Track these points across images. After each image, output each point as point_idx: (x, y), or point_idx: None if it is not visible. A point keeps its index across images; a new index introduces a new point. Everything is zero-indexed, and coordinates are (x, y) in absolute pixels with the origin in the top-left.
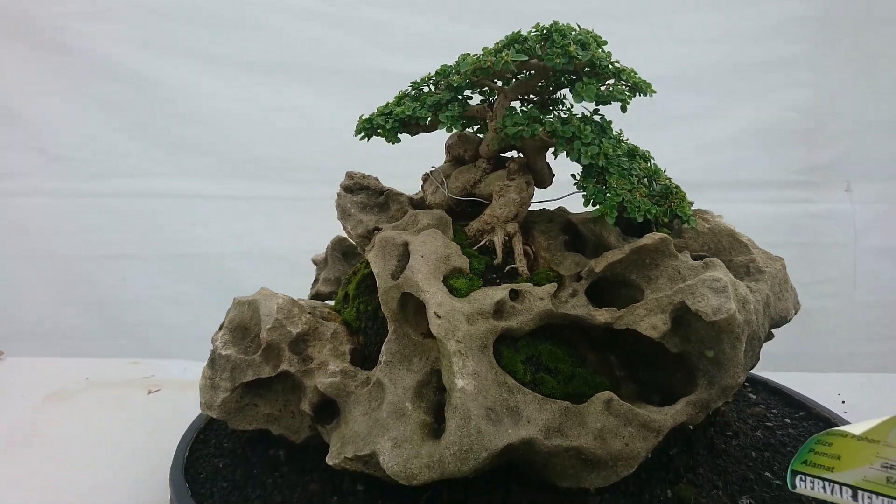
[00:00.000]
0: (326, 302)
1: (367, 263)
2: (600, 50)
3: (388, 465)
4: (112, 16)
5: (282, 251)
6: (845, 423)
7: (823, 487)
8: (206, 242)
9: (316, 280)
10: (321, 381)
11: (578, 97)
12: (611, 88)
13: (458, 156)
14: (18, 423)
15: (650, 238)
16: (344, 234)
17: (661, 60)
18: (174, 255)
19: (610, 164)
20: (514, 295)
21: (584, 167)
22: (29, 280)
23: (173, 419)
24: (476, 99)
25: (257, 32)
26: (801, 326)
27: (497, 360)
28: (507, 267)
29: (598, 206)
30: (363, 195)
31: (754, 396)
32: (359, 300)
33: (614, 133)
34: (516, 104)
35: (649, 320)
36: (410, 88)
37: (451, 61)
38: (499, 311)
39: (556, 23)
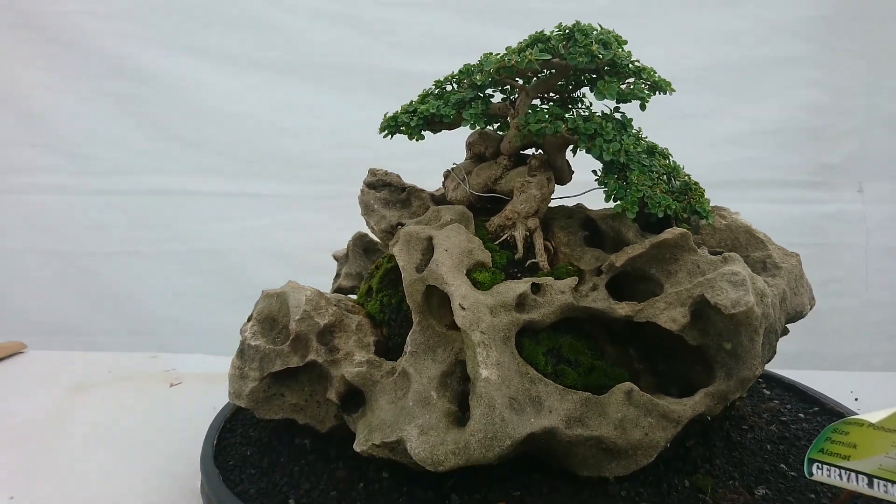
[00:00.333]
0: (349, 296)
1: (390, 258)
2: (621, 49)
3: (415, 451)
4: (127, 15)
5: (294, 248)
6: None
7: (840, 475)
8: (218, 239)
9: (337, 275)
10: (348, 370)
11: (600, 95)
12: (631, 87)
13: (479, 153)
14: (46, 414)
15: (670, 233)
16: (364, 231)
17: (672, 59)
18: (187, 251)
19: (631, 160)
20: (536, 288)
21: (606, 164)
22: (44, 275)
23: (196, 410)
24: (497, 97)
25: (271, 31)
26: (813, 325)
27: (519, 351)
28: (528, 261)
29: (619, 202)
30: (386, 191)
31: (769, 392)
32: (382, 293)
33: (634, 130)
34: (536, 102)
35: (669, 313)
36: (434, 87)
37: (463, 60)
38: (521, 303)
39: (578, 23)
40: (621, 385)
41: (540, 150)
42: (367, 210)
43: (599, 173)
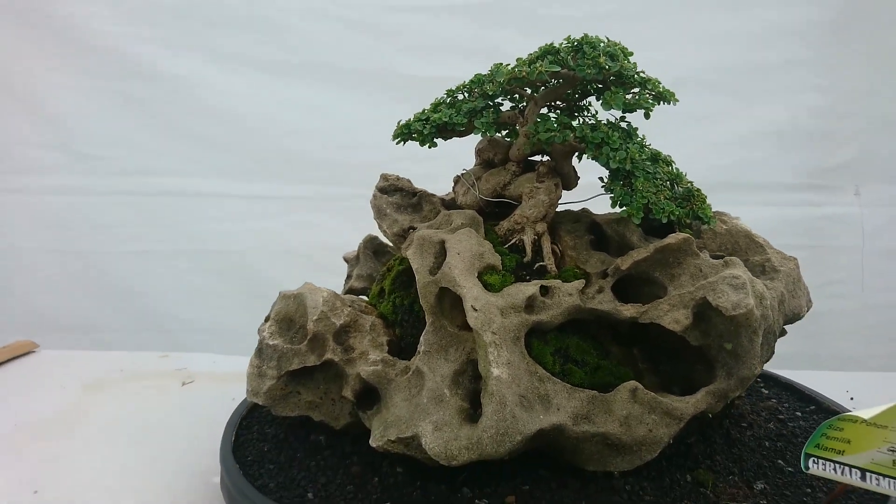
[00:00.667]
0: (361, 297)
1: (401, 260)
2: (627, 60)
3: (429, 446)
4: (138, 16)
5: (303, 248)
6: None
7: (834, 469)
8: (229, 239)
9: (349, 277)
10: (364, 369)
11: (607, 105)
12: (637, 97)
13: (489, 159)
14: (63, 411)
15: (674, 238)
16: (375, 233)
17: (674, 62)
18: (198, 250)
19: (636, 168)
20: (545, 291)
21: (612, 171)
22: (55, 274)
23: (210, 408)
24: (506, 105)
25: (281, 34)
26: (811, 327)
27: (528, 351)
28: (536, 264)
29: (625, 208)
30: (397, 196)
31: (767, 391)
32: (395, 295)
33: (638, 138)
34: (544, 110)
35: (672, 315)
36: (446, 96)
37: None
38: (530, 305)
39: (586, 35)
40: (626, 383)
41: (547, 157)
42: (379, 214)
43: (606, 180)
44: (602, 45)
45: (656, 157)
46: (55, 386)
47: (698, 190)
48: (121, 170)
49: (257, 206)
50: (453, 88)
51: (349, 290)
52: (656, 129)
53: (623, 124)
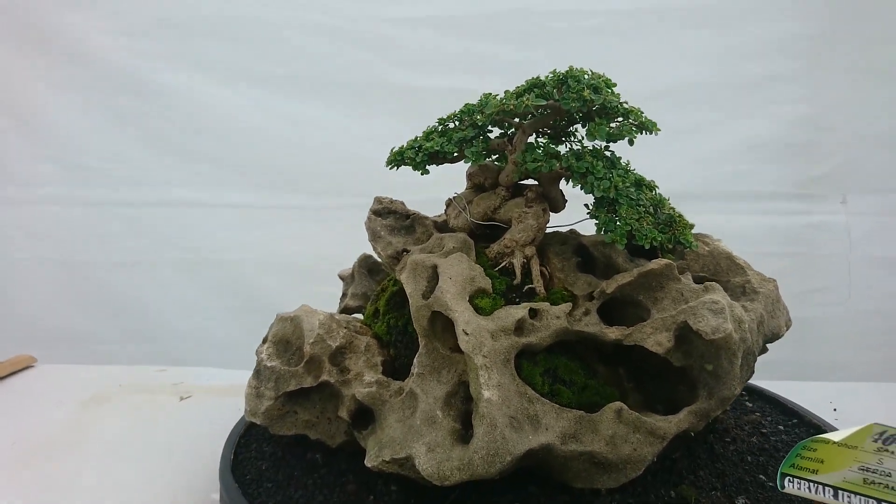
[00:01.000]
0: (355, 316)
1: (395, 281)
2: (611, 91)
3: (422, 467)
4: (132, 30)
5: (296, 259)
6: (834, 429)
7: (809, 488)
8: (223, 250)
9: (344, 295)
10: (359, 390)
11: (591, 136)
12: (620, 128)
13: (479, 183)
14: (60, 428)
15: (656, 263)
16: (369, 252)
17: (664, 76)
18: (192, 262)
19: (620, 195)
20: (533, 313)
21: (597, 199)
22: (51, 286)
23: (207, 424)
24: (496, 131)
25: (273, 47)
26: (798, 334)
27: (518, 372)
28: (526, 287)
29: (609, 234)
30: (391, 219)
31: (751, 405)
32: (389, 315)
33: (622, 164)
34: (532, 137)
35: (655, 337)
36: (437, 124)
37: (462, 76)
38: (520, 328)
39: (571, 68)
40: (612, 404)
41: (536, 182)
42: (374, 236)
43: (591, 207)
44: (586, 77)
45: (640, 183)
46: (53, 401)
47: (680, 215)
48: (116, 182)
49: (252, 217)
50: (444, 117)
51: (344, 309)
52: (647, 143)
53: (607, 153)
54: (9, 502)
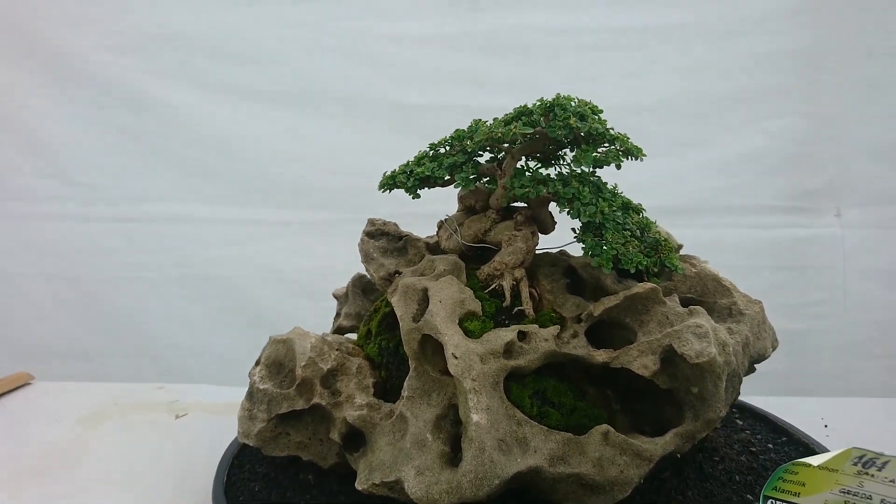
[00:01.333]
0: (348, 336)
1: (388, 302)
2: (597, 118)
3: (412, 490)
4: (132, 47)
5: (296, 274)
6: (823, 447)
7: None
8: (220, 264)
9: (337, 315)
10: (350, 413)
11: (577, 163)
12: (605, 154)
13: (470, 206)
14: (55, 448)
15: (641, 287)
16: (363, 272)
17: (658, 91)
18: (190, 276)
19: (606, 220)
20: (522, 336)
21: (584, 224)
22: (48, 301)
23: (201, 443)
24: (487, 154)
25: (272, 64)
26: (794, 346)
27: (507, 395)
28: (515, 309)
29: (595, 258)
30: (384, 240)
31: (741, 422)
32: (381, 337)
33: (609, 188)
34: (522, 161)
35: (641, 360)
36: (429, 149)
37: (459, 92)
38: (508, 350)
39: (558, 95)
40: (599, 427)
41: (525, 205)
42: (366, 258)
43: (578, 231)
44: (573, 105)
45: (627, 206)
46: (50, 420)
47: (666, 239)
48: (114, 197)
49: (251, 231)
50: (436, 142)
51: (338, 329)
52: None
53: (594, 178)
54: None
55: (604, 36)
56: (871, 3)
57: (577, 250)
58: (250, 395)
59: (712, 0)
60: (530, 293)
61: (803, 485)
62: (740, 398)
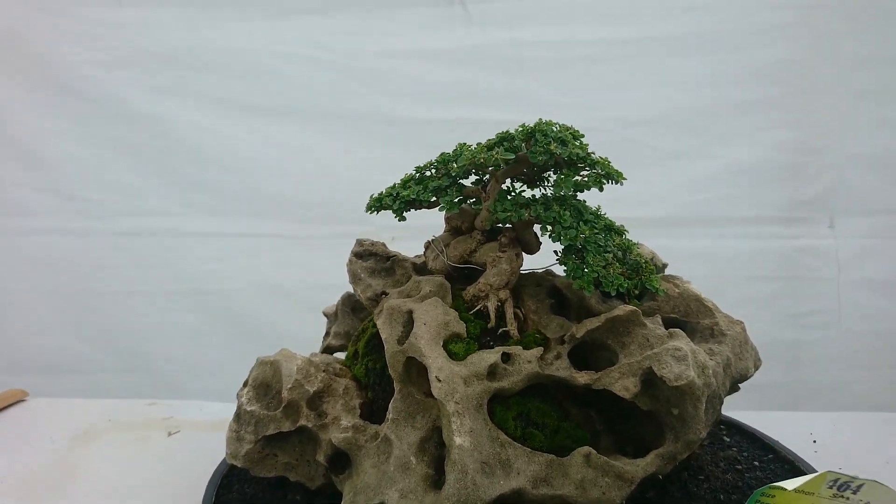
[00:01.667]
0: (336, 355)
1: (374, 322)
2: (577, 143)
3: None
4: (129, 62)
5: (291, 287)
6: (808, 465)
7: None
8: (217, 279)
9: (327, 333)
10: (335, 435)
11: (558, 188)
12: (586, 178)
13: (457, 226)
14: (48, 467)
15: (622, 310)
16: (352, 291)
17: (651, 103)
18: (185, 290)
19: (587, 242)
20: (506, 358)
21: (565, 247)
22: (44, 316)
23: (193, 461)
24: (473, 177)
25: (267, 79)
26: (789, 357)
27: (490, 416)
28: (500, 330)
29: (577, 280)
30: (372, 261)
31: (728, 439)
32: (367, 358)
33: (593, 210)
34: (509, 182)
35: (622, 382)
36: (415, 172)
37: (452, 106)
38: (492, 373)
39: (540, 121)
40: (581, 448)
41: (510, 226)
42: (354, 279)
43: (560, 254)
44: (554, 130)
45: (610, 228)
46: (44, 438)
47: (647, 262)
48: (109, 212)
49: (244, 245)
50: (421, 165)
51: (327, 348)
52: (636, 169)
53: (576, 201)
54: None
55: (596, 49)
56: (862, 14)
57: (562, 269)
58: (238, 416)
59: (705, 13)
60: (515, 313)
61: None
62: (729, 414)
